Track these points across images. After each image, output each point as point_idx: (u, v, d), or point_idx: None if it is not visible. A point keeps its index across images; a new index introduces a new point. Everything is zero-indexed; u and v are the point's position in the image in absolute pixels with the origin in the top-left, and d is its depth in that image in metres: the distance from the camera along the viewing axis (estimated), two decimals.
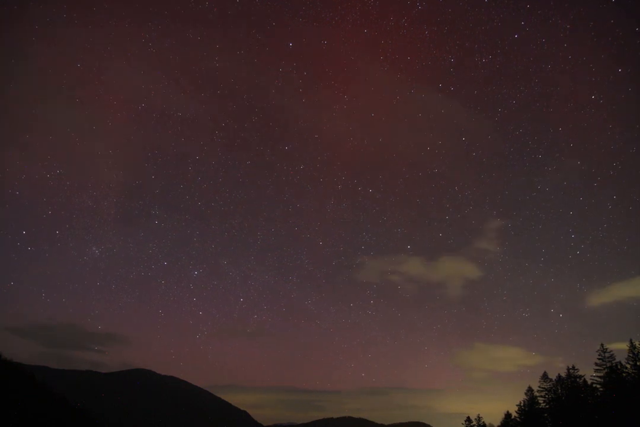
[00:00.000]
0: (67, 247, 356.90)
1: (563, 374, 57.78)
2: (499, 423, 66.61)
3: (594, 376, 52.78)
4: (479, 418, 67.92)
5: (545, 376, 59.72)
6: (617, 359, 51.44)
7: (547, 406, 58.13)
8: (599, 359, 52.29)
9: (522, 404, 61.71)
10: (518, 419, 61.67)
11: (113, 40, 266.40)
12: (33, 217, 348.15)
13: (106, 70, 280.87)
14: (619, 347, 53.04)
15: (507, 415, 65.27)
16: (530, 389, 60.92)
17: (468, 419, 68.30)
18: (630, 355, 49.91)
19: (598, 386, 52.39)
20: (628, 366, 49.98)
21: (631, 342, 50.14)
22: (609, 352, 52.08)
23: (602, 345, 52.80)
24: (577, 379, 55.43)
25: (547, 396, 58.62)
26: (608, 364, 51.36)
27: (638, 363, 49.08)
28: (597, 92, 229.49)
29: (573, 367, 56.70)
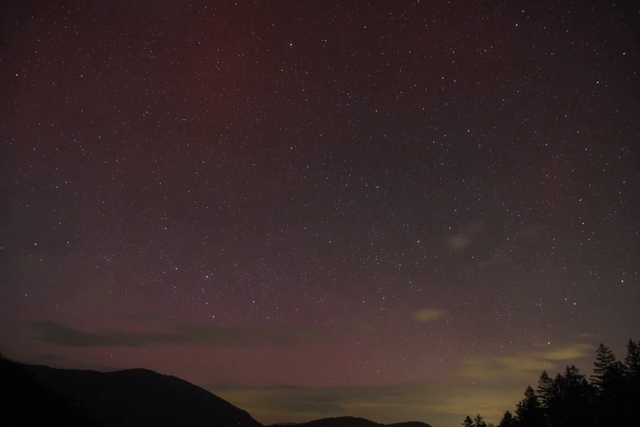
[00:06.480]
0: (78, 257, 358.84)
1: (563, 374, 57.87)
2: (499, 423, 66.61)
3: (594, 376, 52.76)
4: (478, 418, 67.88)
5: (544, 376, 59.72)
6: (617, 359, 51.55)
7: (547, 406, 58.08)
8: (598, 359, 52.30)
9: (521, 404, 61.67)
10: (518, 419, 61.62)
11: (114, 49, 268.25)
12: (44, 228, 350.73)
13: (109, 79, 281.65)
14: None
15: (507, 415, 65.23)
16: (530, 389, 60.86)
17: (468, 419, 68.26)
18: (630, 355, 49.91)
19: (598, 386, 52.33)
20: (628, 366, 50.00)
21: (631, 343, 50.12)
22: (609, 352, 52.13)
23: (601, 345, 52.84)
24: (577, 379, 55.39)
25: (546, 396, 58.55)
26: (608, 364, 51.37)
27: (638, 363, 49.07)
28: (602, 77, 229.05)
29: (573, 367, 56.75)
